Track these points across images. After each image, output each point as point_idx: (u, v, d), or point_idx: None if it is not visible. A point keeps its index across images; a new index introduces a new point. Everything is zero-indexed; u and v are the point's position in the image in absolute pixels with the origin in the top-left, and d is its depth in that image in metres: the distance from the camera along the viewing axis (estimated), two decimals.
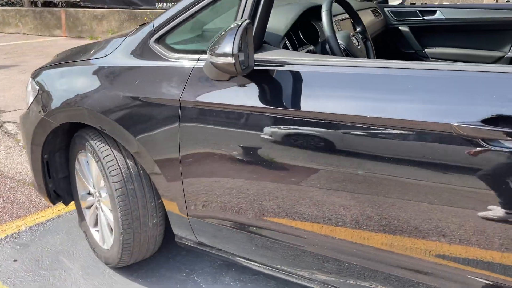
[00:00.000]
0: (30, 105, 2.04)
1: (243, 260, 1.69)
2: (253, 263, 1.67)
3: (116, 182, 1.78)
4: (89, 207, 2.17)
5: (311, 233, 1.43)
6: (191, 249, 1.82)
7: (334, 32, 1.62)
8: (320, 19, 1.98)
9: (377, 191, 1.25)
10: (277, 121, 1.36)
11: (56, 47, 8.15)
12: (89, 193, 2.16)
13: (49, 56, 7.27)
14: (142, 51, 1.68)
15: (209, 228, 1.69)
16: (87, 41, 8.79)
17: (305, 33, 1.92)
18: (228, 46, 1.22)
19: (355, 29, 2.22)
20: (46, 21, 9.81)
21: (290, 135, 1.34)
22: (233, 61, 1.22)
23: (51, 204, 2.61)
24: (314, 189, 1.34)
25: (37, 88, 2.00)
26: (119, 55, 1.75)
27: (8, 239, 2.31)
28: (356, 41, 1.82)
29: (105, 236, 2.01)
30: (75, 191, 2.21)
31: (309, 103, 1.30)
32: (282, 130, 1.36)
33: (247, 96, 1.40)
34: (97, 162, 1.84)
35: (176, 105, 1.55)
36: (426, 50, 2.70)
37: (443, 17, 2.63)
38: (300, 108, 1.31)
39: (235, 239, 1.65)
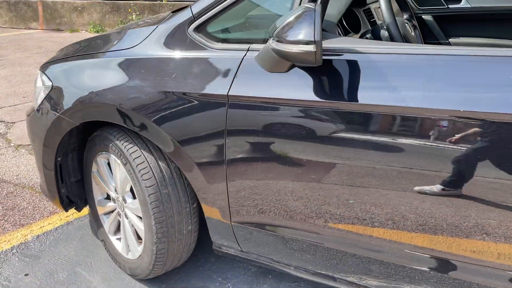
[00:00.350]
0: (42, 102, 1.83)
1: (290, 267, 1.55)
2: (301, 270, 1.53)
3: (149, 186, 1.60)
4: (108, 213, 1.98)
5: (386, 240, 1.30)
6: (231, 257, 1.67)
7: (394, 18, 1.49)
8: (361, 5, 1.84)
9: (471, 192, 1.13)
10: (348, 117, 1.21)
11: (34, 41, 7.75)
12: (107, 198, 1.98)
13: (28, 50, 6.93)
14: (179, 40, 1.50)
15: (255, 234, 1.54)
16: (67, 34, 8.41)
17: (346, 20, 1.78)
18: (306, 33, 1.07)
19: None
20: (22, 13, 9.33)
21: (365, 133, 1.20)
22: (314, 50, 1.07)
23: (57, 210, 2.40)
24: (400, 193, 1.21)
25: (50, 83, 1.79)
26: (151, 45, 1.56)
27: (15, 251, 2.10)
28: (409, 28, 1.70)
29: (131, 245, 1.83)
30: (91, 196, 2.01)
31: (388, 96, 1.16)
32: (356, 126, 1.21)
33: (312, 89, 1.25)
34: (125, 164, 1.65)
35: (223, 100, 1.38)
36: (450, 40, 2.60)
37: (469, 6, 2.54)
38: (377, 102, 1.17)
39: (283, 245, 1.50)
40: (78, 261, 2.01)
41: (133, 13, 7.84)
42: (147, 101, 1.51)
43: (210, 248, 1.72)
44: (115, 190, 1.84)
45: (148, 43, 1.58)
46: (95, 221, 2.05)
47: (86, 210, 2.21)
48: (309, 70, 1.26)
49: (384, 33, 1.51)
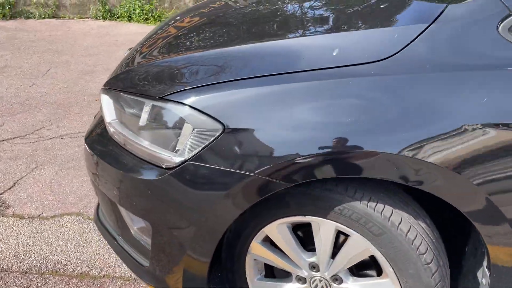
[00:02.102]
0: (198, 153, 1.12)
1: None
2: None
3: (430, 263, 1.10)
4: None
5: None
6: None
7: None
8: None
9: None
10: None
11: None
12: (270, 276, 1.38)
13: None
14: None
15: None
16: None
17: None
18: None
19: None
20: None
21: None
22: None
23: None
24: None
25: (217, 124, 1.09)
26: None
27: None
28: None
29: None
30: (240, 278, 1.38)
31: None
32: None
33: None
34: (377, 235, 1.11)
35: None
36: None
37: None
38: None
39: None
40: None
41: None
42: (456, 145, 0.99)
43: None
44: (311, 267, 1.26)
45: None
46: None
47: None
48: None
49: None
